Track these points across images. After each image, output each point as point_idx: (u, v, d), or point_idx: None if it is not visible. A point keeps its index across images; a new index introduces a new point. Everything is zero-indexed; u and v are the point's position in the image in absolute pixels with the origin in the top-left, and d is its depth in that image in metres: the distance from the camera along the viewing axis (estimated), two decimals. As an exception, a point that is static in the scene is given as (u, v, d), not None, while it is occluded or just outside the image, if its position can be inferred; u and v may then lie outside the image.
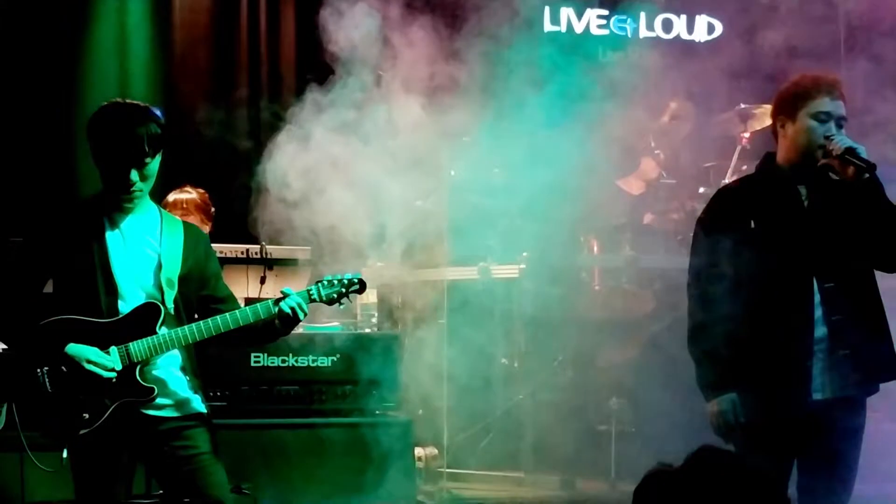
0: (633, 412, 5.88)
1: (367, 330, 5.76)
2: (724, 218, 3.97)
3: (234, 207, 5.68)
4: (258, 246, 5.90)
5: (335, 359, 5.38)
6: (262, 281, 5.86)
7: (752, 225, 3.90)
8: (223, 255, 5.93)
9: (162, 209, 3.91)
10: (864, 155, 3.77)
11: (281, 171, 5.50)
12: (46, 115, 6.75)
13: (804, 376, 3.83)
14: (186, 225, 3.93)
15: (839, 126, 3.88)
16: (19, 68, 6.64)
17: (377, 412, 5.41)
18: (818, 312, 3.85)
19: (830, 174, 3.84)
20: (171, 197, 5.61)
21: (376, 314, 6.18)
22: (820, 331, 3.84)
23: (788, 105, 3.95)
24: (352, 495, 5.10)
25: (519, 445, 5.95)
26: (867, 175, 3.76)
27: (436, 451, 5.84)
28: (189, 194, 5.59)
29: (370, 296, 6.16)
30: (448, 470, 5.82)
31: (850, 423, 3.92)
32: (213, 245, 5.59)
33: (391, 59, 5.61)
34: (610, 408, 5.88)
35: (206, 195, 5.71)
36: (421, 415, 5.73)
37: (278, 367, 5.35)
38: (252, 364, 5.31)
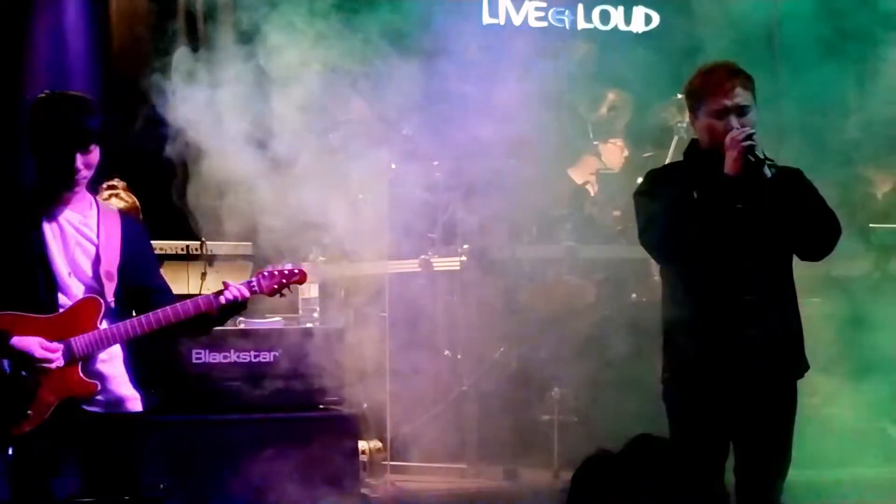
0: (575, 402, 5.90)
1: (310, 324, 5.76)
2: (664, 191, 4.07)
3: (172, 202, 5.70)
4: (198, 242, 5.91)
5: (277, 353, 5.38)
6: (203, 277, 5.86)
7: (699, 197, 4.01)
8: (163, 252, 5.93)
9: (95, 198, 3.83)
10: (758, 151, 3.90)
11: (219, 167, 5.54)
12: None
13: (734, 351, 3.96)
14: (124, 214, 3.91)
15: (741, 115, 4.00)
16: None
17: (320, 406, 5.42)
18: (741, 290, 3.97)
19: (726, 168, 3.96)
20: (103, 197, 5.59)
21: (318, 308, 6.19)
22: (742, 310, 3.96)
23: (691, 102, 4.09)
24: (295, 490, 5.10)
25: (462, 437, 5.97)
26: (766, 168, 3.89)
27: (379, 444, 5.84)
28: (122, 202, 5.54)
29: (312, 290, 6.17)
30: (392, 462, 5.84)
31: (778, 403, 4.04)
32: (154, 242, 5.62)
33: (334, 55, 5.66)
34: (552, 398, 5.90)
35: (136, 203, 5.66)
36: (364, 408, 5.74)
37: (220, 363, 5.33)
38: (194, 360, 5.30)
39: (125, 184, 5.68)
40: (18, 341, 3.60)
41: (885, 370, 5.72)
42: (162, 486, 4.80)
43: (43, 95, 3.73)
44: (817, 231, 4.01)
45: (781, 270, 4.05)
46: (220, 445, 5.18)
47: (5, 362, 3.62)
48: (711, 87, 4.00)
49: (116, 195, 5.61)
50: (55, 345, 3.63)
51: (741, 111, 3.97)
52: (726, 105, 3.96)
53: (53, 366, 3.62)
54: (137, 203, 5.65)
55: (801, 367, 4.08)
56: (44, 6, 6.97)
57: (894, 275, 6.44)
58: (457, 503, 5.52)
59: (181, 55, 5.60)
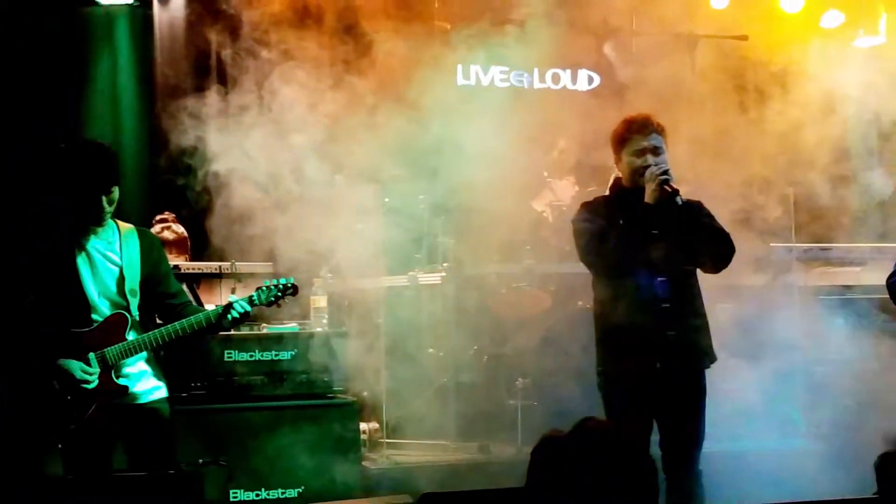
0: (535, 390, 5.88)
1: (319, 329, 5.73)
2: (597, 219, 4.08)
3: (208, 231, 5.67)
4: (229, 263, 5.88)
5: (293, 353, 5.37)
6: (233, 291, 5.82)
7: (623, 223, 4.01)
8: (200, 271, 5.90)
9: (116, 221, 3.77)
10: (672, 182, 3.91)
11: (245, 201, 5.51)
12: (48, 143, 6.56)
13: (650, 348, 3.94)
14: (140, 232, 3.85)
15: (656, 154, 4.01)
16: (26, 104, 6.46)
17: (328, 395, 5.40)
18: (656, 300, 3.96)
19: (646, 197, 3.96)
20: (155, 230, 5.53)
21: (326, 316, 6.17)
22: (658, 314, 3.96)
23: (615, 147, 4.10)
24: (308, 463, 5.08)
25: (444, 419, 5.95)
26: (678, 198, 3.90)
27: (377, 426, 5.84)
28: (173, 234, 5.49)
29: (321, 301, 6.13)
30: (387, 440, 5.81)
31: (690, 390, 4.03)
32: (193, 263, 5.59)
33: (338, 109, 5.64)
34: (517, 387, 5.88)
35: (185, 234, 5.60)
36: (364, 396, 5.73)
37: (247, 360, 5.31)
38: (225, 359, 5.27)
39: (174, 216, 5.65)
40: (64, 364, 3.56)
41: (782, 360, 5.72)
42: (200, 461, 4.76)
43: (65, 145, 3.68)
44: (717, 250, 4.03)
45: (690, 282, 4.06)
46: (246, 428, 5.15)
47: (54, 376, 3.58)
48: (632, 132, 4.03)
49: (168, 228, 5.58)
50: (93, 369, 3.59)
51: (656, 151, 3.99)
52: (644, 146, 3.98)
53: (90, 386, 3.58)
54: (185, 233, 5.61)
55: (709, 359, 4.08)
56: (101, 54, 6.89)
57: (788, 284, 6.44)
58: (440, 473, 5.46)
59: (213, 98, 5.61)
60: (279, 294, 3.91)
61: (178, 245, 5.69)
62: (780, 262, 6.54)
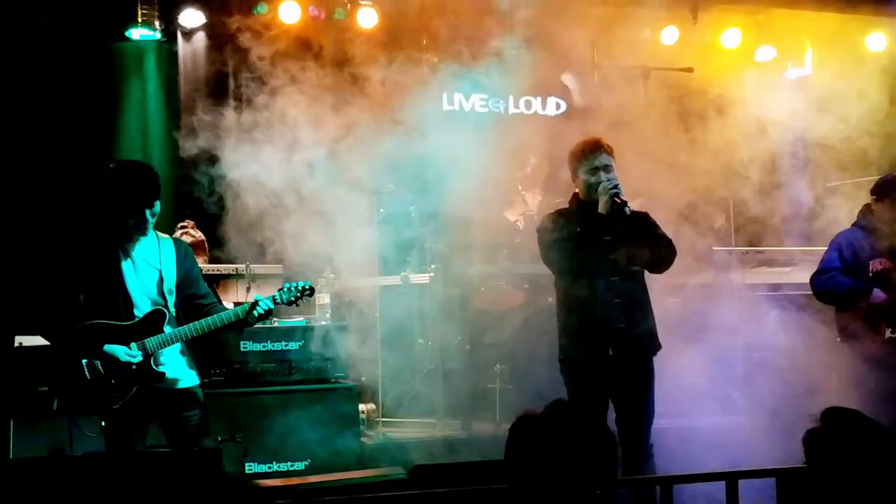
0: (511, 375, 5.90)
1: (323, 323, 5.75)
2: (559, 229, 4.15)
3: (227, 237, 5.69)
4: (244, 265, 5.90)
5: (301, 344, 5.38)
6: (248, 290, 5.84)
7: (580, 230, 4.08)
8: (219, 273, 5.91)
9: (155, 232, 3.82)
10: (622, 195, 4.00)
11: (259, 211, 5.54)
12: (86, 163, 6.55)
13: (603, 338, 3.99)
14: (176, 241, 3.91)
15: (607, 171, 4.08)
16: (70, 127, 6.46)
17: (331, 380, 5.41)
18: (609, 296, 4.02)
19: (599, 208, 4.04)
20: (176, 234, 5.54)
21: (330, 311, 6.19)
22: (610, 309, 4.02)
23: (572, 166, 4.17)
24: (314, 439, 5.10)
25: (432, 400, 5.96)
26: (626, 208, 3.98)
27: (374, 406, 5.85)
28: (191, 237, 5.50)
29: (325, 298, 6.15)
30: (383, 419, 5.83)
31: (639, 373, 4.09)
32: (212, 265, 5.60)
33: (340, 131, 5.68)
34: (495, 372, 5.90)
35: (203, 237, 5.61)
36: (362, 381, 5.74)
37: (260, 350, 5.33)
38: (241, 349, 5.29)
39: (193, 223, 5.66)
40: (109, 349, 3.59)
41: (723, 347, 5.79)
42: (219, 438, 4.78)
43: (114, 166, 3.71)
44: (660, 254, 4.10)
45: (638, 281, 4.12)
46: (259, 409, 5.17)
47: (98, 363, 3.60)
48: (585, 153, 4.10)
49: (186, 232, 5.58)
50: (135, 353, 3.63)
51: (607, 169, 4.07)
52: (596, 165, 4.05)
53: (132, 369, 3.61)
54: (203, 237, 5.62)
55: (655, 347, 4.14)
56: (133, 83, 6.89)
57: (728, 282, 6.49)
58: (429, 447, 5.47)
59: (229, 121, 5.63)
60: (298, 294, 3.97)
61: (196, 248, 5.69)
62: (722, 262, 6.59)
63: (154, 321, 3.69)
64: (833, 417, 2.49)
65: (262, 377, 5.29)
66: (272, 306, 3.84)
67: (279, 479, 4.65)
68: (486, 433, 5.69)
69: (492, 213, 6.45)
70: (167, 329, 3.71)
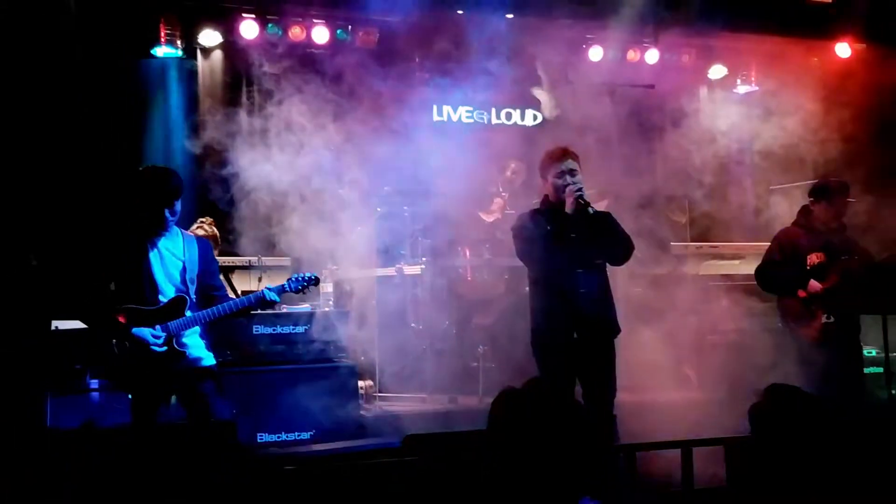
0: (493, 354, 5.89)
1: (326, 309, 5.73)
2: (531, 227, 4.15)
3: (240, 232, 5.66)
4: (256, 257, 5.87)
5: (306, 327, 5.35)
6: (259, 279, 5.82)
7: (549, 228, 4.08)
8: (234, 264, 5.88)
9: (181, 230, 3.84)
10: (586, 197, 4.00)
11: (270, 209, 5.51)
12: (117, 166, 6.50)
13: (570, 323, 4.00)
14: (199, 238, 3.92)
15: (573, 176, 4.08)
16: (101, 136, 6.40)
17: (334, 360, 5.39)
18: (575, 286, 4.02)
19: (566, 208, 4.04)
20: (192, 229, 5.49)
21: (333, 298, 6.17)
22: (576, 297, 4.02)
23: (542, 171, 4.17)
24: (318, 412, 5.08)
25: (423, 377, 5.93)
26: (589, 208, 3.98)
27: (371, 383, 5.81)
28: (204, 232, 5.46)
29: (328, 287, 6.14)
30: (379, 394, 5.81)
31: (602, 353, 4.09)
32: (227, 257, 5.56)
33: (341, 137, 5.66)
34: (479, 352, 5.89)
35: (216, 233, 5.58)
36: (362, 360, 5.71)
37: (270, 333, 5.30)
38: (254, 332, 5.27)
39: (210, 220, 5.63)
40: (137, 332, 3.57)
41: (679, 330, 5.80)
42: (234, 412, 4.75)
43: (142, 169, 3.72)
44: (619, 249, 4.10)
45: (600, 272, 4.12)
46: (270, 385, 5.13)
47: (127, 343, 3.58)
48: (553, 160, 4.09)
49: (201, 227, 5.55)
50: (160, 334, 3.61)
51: (572, 173, 4.06)
52: (563, 170, 4.04)
53: (160, 348, 3.59)
54: (216, 232, 5.59)
55: (616, 331, 4.14)
56: (157, 95, 6.82)
57: (684, 273, 6.52)
58: (420, 419, 5.44)
59: (242, 129, 5.60)
60: (305, 284, 3.96)
61: (213, 240, 5.64)
62: (679, 256, 6.61)
63: (177, 306, 3.67)
64: (775, 393, 2.49)
65: (273, 357, 5.26)
66: (277, 298, 3.84)
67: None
68: (470, 406, 5.67)
69: (473, 212, 6.43)
70: (188, 314, 3.69)
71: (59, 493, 3.72)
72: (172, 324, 3.65)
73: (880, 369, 5.08)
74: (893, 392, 4.89)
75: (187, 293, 3.70)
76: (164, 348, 3.61)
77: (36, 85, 5.99)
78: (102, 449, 3.80)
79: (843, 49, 7.22)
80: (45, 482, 3.72)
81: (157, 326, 3.62)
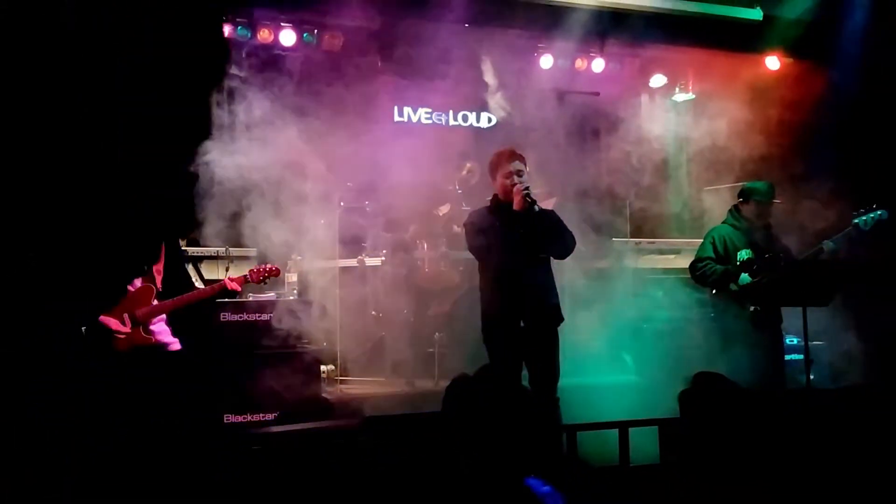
0: (449, 341, 5.92)
1: (291, 297, 5.69)
2: (482, 223, 4.18)
3: (209, 224, 5.55)
4: (224, 248, 5.79)
5: (272, 315, 5.29)
6: (227, 269, 5.74)
7: (498, 225, 4.11)
8: (203, 254, 5.79)
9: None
10: (532, 196, 4.05)
11: (237, 203, 5.42)
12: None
13: (516, 312, 4.03)
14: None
15: (520, 176, 4.12)
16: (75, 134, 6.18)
17: (297, 346, 5.35)
18: (521, 278, 4.06)
19: (514, 206, 4.08)
20: None
21: (297, 288, 6.12)
22: (522, 289, 4.06)
23: (491, 171, 4.20)
24: (283, 394, 5.05)
25: (382, 361, 5.95)
26: (535, 206, 4.03)
27: (333, 367, 5.81)
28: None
29: (293, 277, 6.09)
30: (340, 378, 5.80)
31: (547, 340, 4.14)
32: (196, 248, 5.47)
33: (306, 136, 5.59)
34: (435, 339, 5.91)
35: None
36: (324, 346, 5.66)
37: (237, 321, 5.24)
38: (221, 320, 5.20)
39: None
40: (104, 319, 3.52)
41: (618, 319, 5.90)
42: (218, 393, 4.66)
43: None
44: (562, 244, 4.15)
45: (545, 266, 4.17)
46: (236, 370, 5.08)
47: (94, 330, 3.51)
48: (502, 160, 4.12)
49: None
50: (126, 321, 3.55)
51: (520, 173, 4.11)
52: (510, 170, 4.08)
53: (123, 335, 3.54)
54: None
55: (559, 319, 4.19)
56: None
57: (625, 267, 6.62)
58: (379, 401, 5.45)
59: (216, 133, 5.49)
60: (265, 275, 3.93)
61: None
62: (619, 251, 6.70)
63: (144, 295, 3.63)
64: (702, 379, 2.56)
65: (239, 342, 5.20)
66: (238, 289, 3.80)
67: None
68: (426, 389, 5.69)
69: (434, 207, 6.44)
70: (154, 303, 3.64)
71: (59, 490, 3.62)
72: (140, 311, 3.61)
73: (800, 356, 5.23)
74: (811, 377, 5.05)
75: (154, 283, 3.66)
76: (132, 335, 3.56)
77: (35, 84, 5.77)
78: (101, 442, 3.73)
79: (772, 62, 7.40)
80: (45, 479, 3.63)
81: (124, 315, 3.56)
